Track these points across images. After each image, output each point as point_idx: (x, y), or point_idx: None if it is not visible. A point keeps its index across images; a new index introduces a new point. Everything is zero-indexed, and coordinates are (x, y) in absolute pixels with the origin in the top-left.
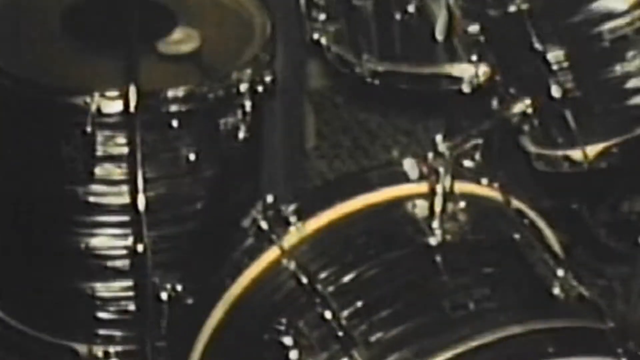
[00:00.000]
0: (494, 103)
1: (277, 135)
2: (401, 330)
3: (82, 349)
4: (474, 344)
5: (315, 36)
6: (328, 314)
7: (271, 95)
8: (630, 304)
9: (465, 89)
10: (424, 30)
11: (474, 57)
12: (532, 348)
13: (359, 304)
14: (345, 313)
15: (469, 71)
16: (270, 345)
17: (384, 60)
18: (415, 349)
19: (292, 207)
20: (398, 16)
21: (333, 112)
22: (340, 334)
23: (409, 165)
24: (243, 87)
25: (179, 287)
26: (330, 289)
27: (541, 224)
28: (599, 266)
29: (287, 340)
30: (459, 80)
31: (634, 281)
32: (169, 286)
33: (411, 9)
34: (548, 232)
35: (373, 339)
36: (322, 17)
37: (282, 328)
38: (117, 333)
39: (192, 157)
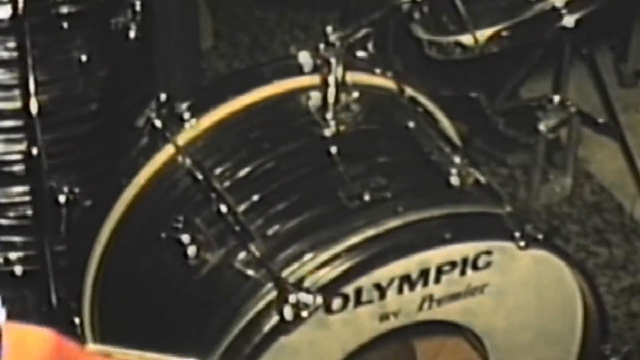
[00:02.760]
0: None
1: (171, 35)
2: (298, 222)
3: None
4: (370, 232)
5: None
6: (224, 209)
7: None
8: (531, 192)
9: None
10: None
11: None
12: (429, 234)
13: (255, 197)
14: (241, 207)
15: None
16: (168, 243)
17: None
18: (313, 241)
19: (185, 104)
20: None
21: (230, 10)
22: (237, 228)
23: (303, 57)
24: None
25: (76, 190)
26: (226, 184)
27: (437, 112)
28: (500, 155)
29: (185, 238)
30: None
31: (534, 168)
32: (66, 189)
33: None
34: (444, 120)
35: (270, 232)
36: None
37: (179, 225)
38: (17, 239)
39: (83, 58)
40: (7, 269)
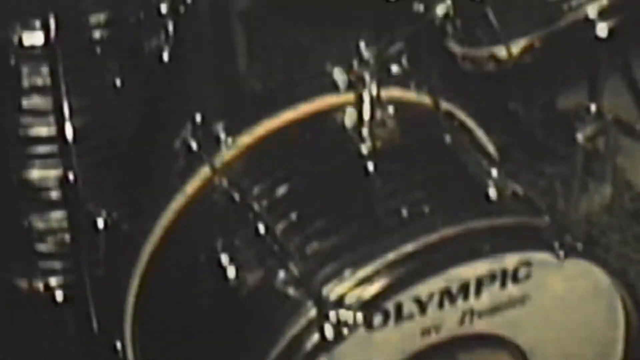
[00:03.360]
0: (417, 7)
1: (206, 57)
2: (336, 240)
3: (22, 283)
4: (408, 248)
5: None
6: (262, 229)
7: (194, 16)
8: (570, 202)
9: None
10: None
11: None
12: (468, 248)
13: (293, 216)
14: (279, 227)
15: None
16: (208, 264)
17: None
18: (352, 258)
19: (221, 125)
20: None
21: (264, 29)
22: (276, 248)
23: (338, 74)
24: (164, 8)
25: (114, 214)
26: (264, 204)
27: (473, 125)
28: (538, 166)
29: (224, 259)
30: None
31: (573, 179)
32: (104, 214)
33: None
34: (480, 133)
35: (309, 250)
36: None
37: (218, 247)
38: (57, 265)
39: (117, 82)
40: (48, 295)
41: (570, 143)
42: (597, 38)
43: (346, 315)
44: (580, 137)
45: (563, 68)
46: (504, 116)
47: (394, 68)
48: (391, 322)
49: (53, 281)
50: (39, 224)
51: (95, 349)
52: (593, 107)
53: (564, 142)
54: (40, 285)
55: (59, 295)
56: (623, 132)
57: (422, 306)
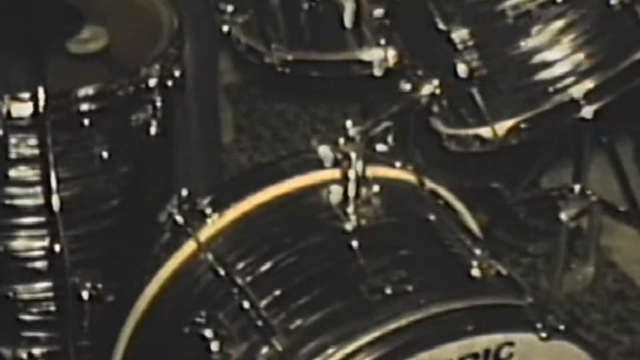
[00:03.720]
0: (404, 86)
1: (192, 131)
2: (320, 316)
3: (6, 352)
4: (392, 326)
5: (225, 28)
6: (246, 304)
7: (182, 90)
8: (553, 281)
9: (376, 72)
10: (332, 17)
11: (382, 41)
12: (451, 327)
13: (277, 292)
14: (263, 302)
15: (378, 55)
16: (192, 338)
17: (293, 49)
18: (335, 335)
19: (207, 200)
20: (305, 5)
21: (250, 105)
22: (260, 323)
23: (323, 151)
24: (152, 82)
25: (99, 286)
26: (248, 279)
27: (457, 204)
28: (521, 244)
29: (208, 333)
30: (369, 64)
31: (556, 258)
32: (89, 285)
33: None
34: (464, 212)
35: (292, 326)
36: (230, 8)
37: (202, 321)
38: (41, 334)
39: (105, 155)
40: None
41: (554, 222)
42: (582, 119)
43: None
44: (564, 216)
45: (548, 148)
46: (488, 195)
47: (380, 146)
48: None
49: (37, 351)
50: (23, 294)
51: None
52: (577, 188)
53: (547, 221)
54: (24, 355)
55: None
56: (607, 212)
57: None
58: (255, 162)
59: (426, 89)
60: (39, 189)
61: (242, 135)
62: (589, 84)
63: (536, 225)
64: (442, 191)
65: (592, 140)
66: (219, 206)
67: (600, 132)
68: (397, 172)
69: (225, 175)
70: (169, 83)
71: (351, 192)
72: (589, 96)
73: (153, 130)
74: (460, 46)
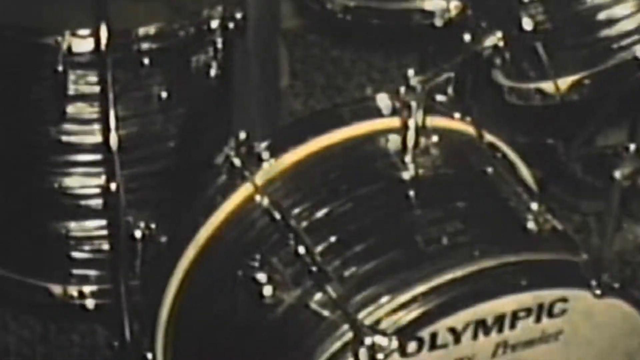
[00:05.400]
0: (466, 37)
1: (250, 74)
2: (374, 265)
3: (56, 289)
4: (447, 277)
5: None
6: (301, 250)
7: (243, 33)
8: (605, 239)
9: (437, 23)
10: None
11: None
12: (505, 281)
13: (333, 239)
14: (318, 248)
15: (440, 5)
16: (244, 281)
17: None
18: (389, 284)
19: (264, 144)
20: None
21: (306, 50)
22: (314, 269)
23: (382, 100)
24: (214, 24)
25: (152, 226)
26: (304, 224)
27: (514, 157)
28: (574, 201)
29: (261, 277)
30: (430, 14)
31: (608, 216)
32: (142, 224)
33: None
34: (522, 166)
35: (347, 273)
36: None
37: (256, 264)
38: (92, 272)
39: (163, 95)
40: (80, 302)
41: (608, 181)
42: None
43: (381, 340)
44: (618, 175)
45: (607, 106)
46: (543, 151)
47: (440, 97)
48: (425, 350)
49: (87, 289)
50: (76, 231)
51: (126, 358)
52: (632, 147)
53: (601, 179)
54: (74, 292)
55: (91, 303)
56: None
57: (456, 336)
58: (310, 107)
59: (489, 41)
60: (96, 126)
61: (296, 81)
62: None
63: (590, 183)
64: (500, 144)
65: None
66: (277, 150)
67: None
68: (456, 123)
69: (280, 119)
70: (231, 25)
71: (410, 142)
72: None
73: (213, 72)
74: None
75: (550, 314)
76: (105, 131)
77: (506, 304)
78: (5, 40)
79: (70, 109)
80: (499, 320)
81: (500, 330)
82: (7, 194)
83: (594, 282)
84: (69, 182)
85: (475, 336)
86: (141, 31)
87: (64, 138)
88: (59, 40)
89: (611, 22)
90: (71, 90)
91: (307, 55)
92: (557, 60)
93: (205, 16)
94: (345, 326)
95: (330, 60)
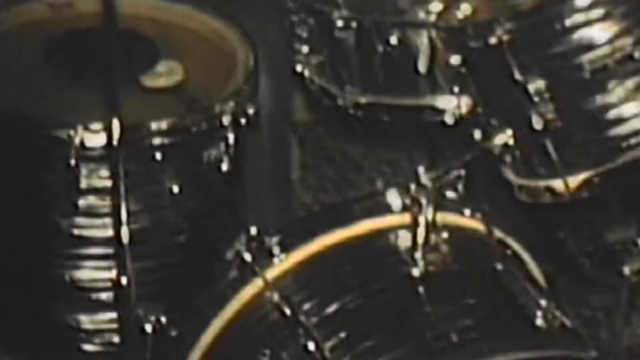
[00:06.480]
0: (476, 134)
1: (262, 167)
2: None
3: None
4: None
5: (299, 68)
6: (311, 345)
7: (255, 128)
8: (614, 334)
9: (448, 120)
10: (406, 62)
11: (456, 89)
12: None
13: (342, 335)
14: (328, 344)
15: (451, 102)
16: None
17: (366, 92)
18: None
19: (275, 239)
20: (380, 48)
21: (317, 143)
22: None
23: (392, 196)
24: (226, 119)
25: (163, 319)
26: (314, 320)
27: (524, 254)
28: (583, 296)
29: None
30: (441, 111)
31: (617, 311)
32: (153, 318)
33: (393, 40)
34: (531, 262)
35: None
36: (305, 49)
37: (266, 359)
38: None
39: (175, 189)
40: None
41: (617, 275)
42: None
43: None
44: (627, 270)
45: (616, 202)
46: (553, 245)
47: (450, 193)
48: None
49: None
50: (87, 324)
51: None
52: None
53: (610, 274)
54: None
55: None
56: None
57: None
58: (320, 200)
59: (499, 139)
60: (107, 220)
61: (307, 173)
62: None
63: (599, 278)
64: (510, 240)
65: None
66: (287, 246)
67: None
68: (466, 220)
69: (290, 212)
70: (242, 121)
71: (420, 238)
72: None
73: (224, 166)
74: (536, 97)
75: None
76: (117, 225)
77: None
78: (19, 133)
79: (82, 202)
80: None
81: None
82: (18, 285)
83: None
84: (79, 274)
85: None
86: (153, 126)
87: (76, 231)
88: (72, 135)
89: (620, 120)
90: (83, 183)
91: (317, 148)
92: (566, 158)
93: (217, 112)
94: None
95: (341, 153)
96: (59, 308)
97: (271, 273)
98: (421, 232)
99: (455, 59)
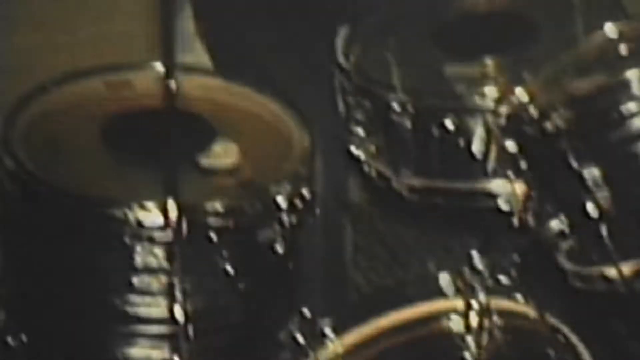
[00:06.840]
0: (530, 220)
1: (315, 248)
2: None
3: None
4: None
5: (354, 151)
6: None
7: (310, 210)
8: None
9: (503, 206)
10: (462, 146)
11: (511, 174)
12: None
13: None
14: None
15: (505, 188)
16: None
17: (421, 175)
18: None
19: (328, 322)
20: (436, 132)
21: (370, 224)
22: None
23: (445, 280)
24: (281, 201)
25: None
26: None
27: (576, 341)
28: None
29: None
30: (495, 196)
31: None
32: None
33: (449, 125)
34: (582, 350)
35: None
36: (361, 132)
37: None
38: None
39: (229, 270)
40: None
41: None
42: None
43: None
44: None
45: None
46: (606, 333)
47: (503, 278)
48: None
49: None
50: None
51: None
52: None
53: None
54: None
55: None
56: None
57: None
58: (371, 281)
59: (553, 225)
60: (161, 299)
61: (359, 254)
62: None
63: None
64: (563, 328)
65: None
66: (340, 328)
67: None
68: (519, 306)
69: (346, 299)
70: (298, 203)
71: (473, 323)
72: None
73: (279, 248)
74: (591, 185)
75: None
76: (171, 304)
77: None
78: (75, 210)
79: (137, 280)
80: None
81: None
82: None
83: None
84: (133, 353)
85: None
86: (209, 207)
87: (129, 309)
88: (127, 213)
89: None
90: (138, 262)
91: (370, 229)
92: (621, 246)
93: (272, 194)
94: None
95: (393, 234)
96: None
97: (324, 356)
98: (474, 316)
99: (510, 145)
